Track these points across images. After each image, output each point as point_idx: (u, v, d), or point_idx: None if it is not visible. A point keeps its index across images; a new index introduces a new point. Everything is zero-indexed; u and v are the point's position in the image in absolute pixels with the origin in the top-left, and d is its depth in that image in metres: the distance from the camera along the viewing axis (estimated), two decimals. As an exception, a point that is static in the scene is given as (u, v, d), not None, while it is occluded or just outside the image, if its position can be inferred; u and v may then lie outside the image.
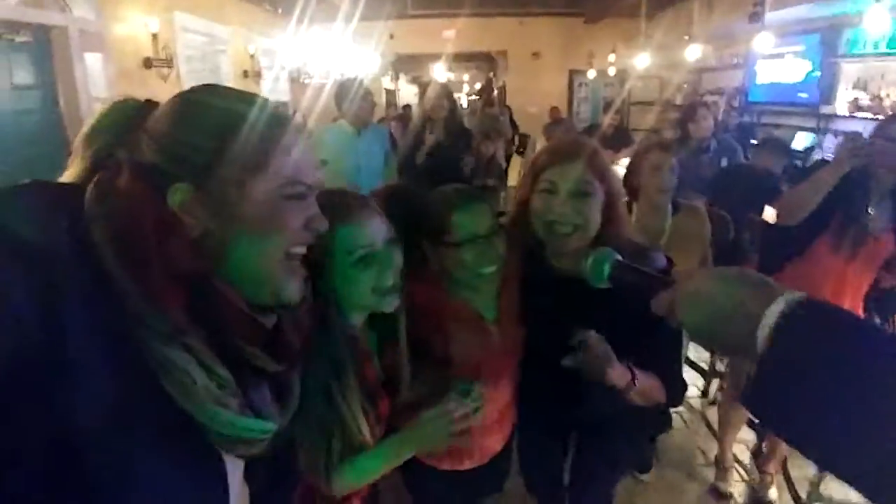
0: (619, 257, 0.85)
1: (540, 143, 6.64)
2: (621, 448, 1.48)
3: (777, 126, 6.06)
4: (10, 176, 3.36)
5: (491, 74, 13.06)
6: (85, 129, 0.64)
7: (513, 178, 5.55)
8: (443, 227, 1.21)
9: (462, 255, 1.20)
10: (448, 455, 1.36)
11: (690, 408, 3.08)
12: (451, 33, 9.22)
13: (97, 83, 4.22)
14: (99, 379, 0.50)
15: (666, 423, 2.45)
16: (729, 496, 2.38)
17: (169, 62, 5.04)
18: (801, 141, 5.60)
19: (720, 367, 3.09)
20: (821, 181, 1.83)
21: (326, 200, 0.72)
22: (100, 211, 0.55)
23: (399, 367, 1.14)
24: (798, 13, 5.11)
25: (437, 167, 3.29)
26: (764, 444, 2.51)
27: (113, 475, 0.51)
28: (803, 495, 2.35)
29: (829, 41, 5.34)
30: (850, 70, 5.22)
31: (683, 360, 2.26)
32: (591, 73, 9.72)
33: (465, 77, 18.10)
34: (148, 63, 4.82)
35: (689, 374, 3.16)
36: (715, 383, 3.15)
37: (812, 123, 5.62)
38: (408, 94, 14.57)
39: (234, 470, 0.66)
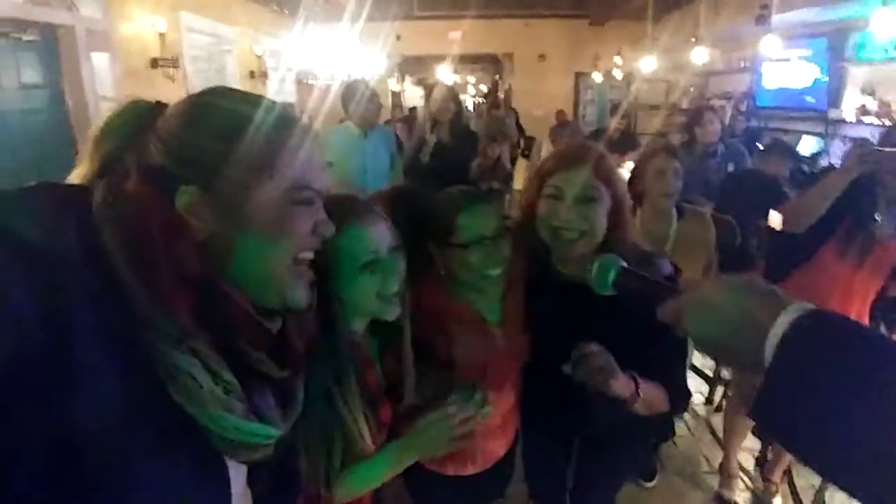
0: (625, 264, 0.84)
1: (545, 147, 6.63)
2: (624, 455, 1.47)
3: (784, 131, 6.04)
4: (16, 174, 3.40)
5: (497, 77, 13.07)
6: (94, 130, 0.64)
7: (518, 181, 5.54)
8: (449, 228, 1.21)
9: (468, 256, 1.20)
10: (451, 460, 1.35)
11: (695, 415, 3.06)
12: (457, 35, 9.23)
13: (104, 82, 4.24)
14: (103, 380, 0.50)
15: (669, 431, 2.44)
16: (733, 504, 2.36)
17: (175, 62, 5.05)
18: (808, 146, 5.58)
19: (725, 374, 3.08)
20: (828, 187, 1.82)
21: (332, 206, 0.71)
22: (108, 214, 0.55)
23: (401, 373, 1.13)
24: (805, 16, 5.08)
25: (442, 169, 3.29)
26: (769, 452, 2.50)
27: (114, 477, 0.51)
28: (808, 504, 2.33)
29: (836, 45, 5.32)
30: (857, 75, 5.19)
31: (688, 367, 2.25)
32: (598, 76, 9.71)
33: (471, 79, 18.09)
34: (154, 63, 4.83)
35: (693, 380, 3.15)
36: (719, 390, 3.13)
37: (819, 128, 5.60)
38: (413, 95, 14.59)
39: (237, 475, 0.66)
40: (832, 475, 0.53)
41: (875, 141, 1.94)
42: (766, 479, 2.40)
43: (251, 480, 0.71)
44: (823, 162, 5.06)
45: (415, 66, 12.83)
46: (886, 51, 4.68)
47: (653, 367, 1.20)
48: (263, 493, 0.74)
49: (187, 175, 0.58)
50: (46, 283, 0.48)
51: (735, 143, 3.74)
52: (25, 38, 3.71)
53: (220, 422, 0.57)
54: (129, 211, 0.55)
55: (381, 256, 1.01)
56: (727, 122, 5.92)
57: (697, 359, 3.19)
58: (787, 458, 2.31)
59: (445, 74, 9.24)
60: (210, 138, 0.60)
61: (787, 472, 2.44)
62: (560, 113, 8.62)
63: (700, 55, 5.98)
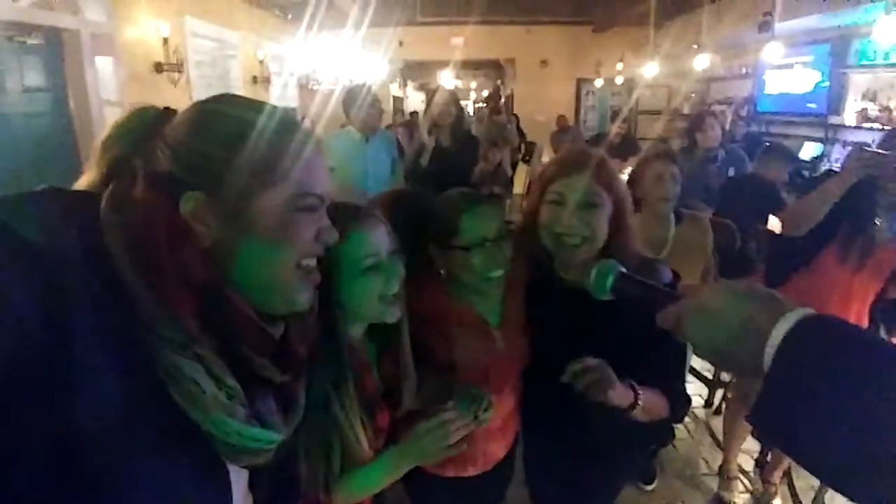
0: (623, 270, 0.84)
1: (546, 152, 6.65)
2: (623, 460, 1.47)
3: (785, 136, 6.05)
4: (20, 177, 3.41)
5: (498, 82, 13.09)
6: (102, 135, 0.64)
7: (518, 186, 5.56)
8: (451, 230, 1.21)
9: (470, 258, 1.20)
10: (451, 461, 1.35)
11: (694, 417, 3.06)
12: (459, 40, 9.26)
13: (108, 87, 4.24)
14: (103, 381, 0.50)
15: (668, 436, 2.43)
16: (732, 507, 2.36)
17: (179, 67, 5.06)
18: (808, 151, 5.59)
19: (724, 377, 3.07)
20: (828, 192, 1.82)
21: (335, 213, 0.72)
22: (115, 219, 0.55)
23: (399, 377, 1.13)
24: (808, 23, 5.10)
25: (443, 173, 3.29)
26: (768, 455, 2.49)
27: (114, 477, 0.51)
28: (807, 507, 2.32)
29: (838, 52, 5.34)
30: (858, 81, 5.21)
31: (687, 370, 2.25)
32: (599, 82, 9.73)
33: (473, 84, 18.12)
34: (158, 67, 4.84)
35: (693, 383, 3.15)
36: (719, 393, 3.13)
37: (820, 134, 5.61)
38: (415, 100, 14.61)
39: (239, 479, 0.66)
40: (832, 479, 0.53)
41: (875, 146, 1.94)
42: (766, 481, 2.40)
43: (253, 485, 0.72)
44: (824, 167, 5.07)
45: (417, 71, 12.86)
46: (888, 56, 4.70)
47: (653, 374, 1.20)
48: (264, 497, 0.74)
49: (193, 181, 0.59)
50: (47, 283, 0.49)
51: (735, 149, 3.74)
52: (30, 41, 3.73)
53: (223, 427, 0.57)
54: (135, 216, 0.56)
55: (382, 260, 1.01)
56: (728, 127, 5.93)
57: (696, 362, 3.18)
58: (787, 460, 2.30)
59: (448, 80, 9.27)
60: (216, 145, 0.60)
61: (787, 474, 2.44)
62: (561, 118, 8.63)
63: (702, 61, 5.99)
